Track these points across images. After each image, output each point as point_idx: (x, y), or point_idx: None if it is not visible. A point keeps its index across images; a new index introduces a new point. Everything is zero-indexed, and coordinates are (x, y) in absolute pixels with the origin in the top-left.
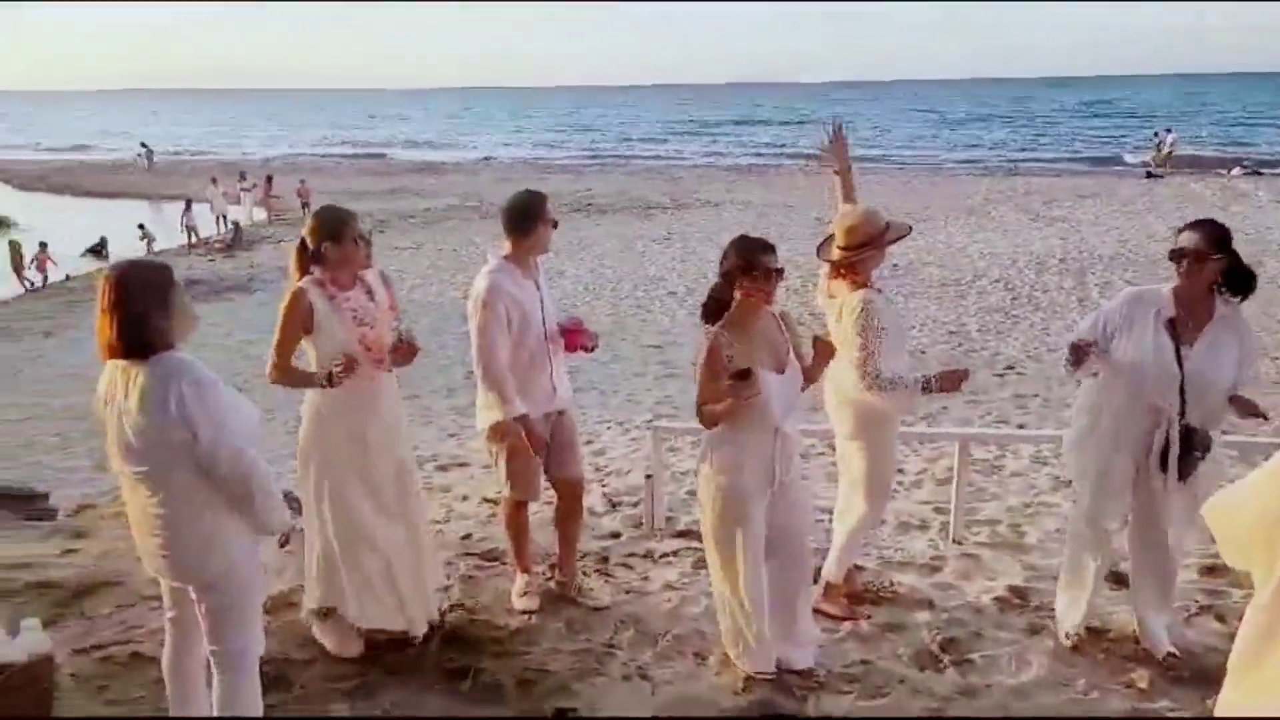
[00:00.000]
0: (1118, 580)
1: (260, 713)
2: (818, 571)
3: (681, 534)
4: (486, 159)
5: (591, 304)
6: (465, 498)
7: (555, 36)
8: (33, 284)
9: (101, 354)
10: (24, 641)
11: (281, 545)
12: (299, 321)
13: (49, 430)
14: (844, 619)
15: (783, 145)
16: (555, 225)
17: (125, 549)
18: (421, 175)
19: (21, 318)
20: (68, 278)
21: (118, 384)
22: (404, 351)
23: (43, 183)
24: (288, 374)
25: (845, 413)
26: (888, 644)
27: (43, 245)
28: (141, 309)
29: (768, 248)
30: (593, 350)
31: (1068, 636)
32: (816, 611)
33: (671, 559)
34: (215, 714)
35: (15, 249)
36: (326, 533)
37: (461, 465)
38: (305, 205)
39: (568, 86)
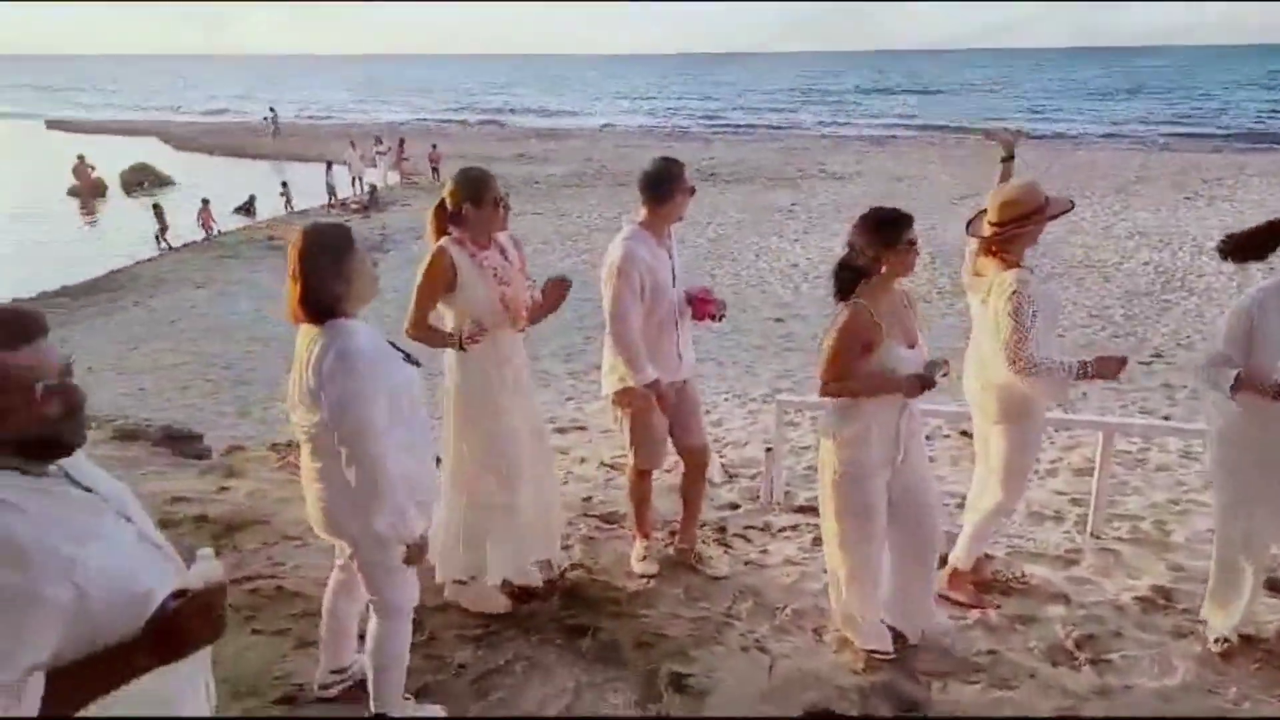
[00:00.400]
0: (1272, 587)
1: (406, 660)
2: (944, 557)
3: (801, 509)
4: (606, 126)
5: (713, 274)
6: (583, 460)
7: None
8: (165, 243)
9: (288, 316)
10: (200, 569)
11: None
12: (440, 279)
13: (201, 376)
14: (971, 607)
15: (912, 116)
16: (692, 193)
17: (270, 489)
18: (543, 141)
19: (178, 270)
20: (219, 233)
21: (300, 345)
22: (557, 292)
23: (196, 144)
24: (425, 331)
25: (989, 397)
26: (1018, 636)
27: (205, 202)
28: (319, 275)
29: (908, 220)
30: (720, 320)
31: (1217, 642)
32: (942, 598)
33: (790, 533)
34: (368, 656)
35: (159, 212)
36: (473, 490)
37: (579, 429)
38: (435, 170)
39: (681, 54)
